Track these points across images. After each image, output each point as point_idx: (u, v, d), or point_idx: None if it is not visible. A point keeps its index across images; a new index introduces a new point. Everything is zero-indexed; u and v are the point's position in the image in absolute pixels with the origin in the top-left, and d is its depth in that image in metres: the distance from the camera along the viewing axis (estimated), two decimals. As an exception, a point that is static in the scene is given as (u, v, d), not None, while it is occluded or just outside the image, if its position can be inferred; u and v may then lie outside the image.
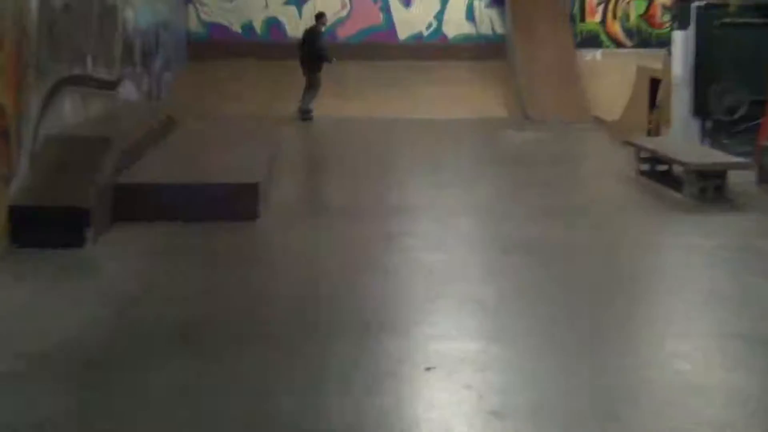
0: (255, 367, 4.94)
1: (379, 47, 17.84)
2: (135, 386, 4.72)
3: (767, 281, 6.61)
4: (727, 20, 12.08)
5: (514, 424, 4.29)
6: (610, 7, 18.35)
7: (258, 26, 18.17)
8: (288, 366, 4.97)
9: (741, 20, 12.14)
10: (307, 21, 17.45)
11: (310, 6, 17.97)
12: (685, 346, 5.36)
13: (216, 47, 17.65)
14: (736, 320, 5.74)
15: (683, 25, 12.46)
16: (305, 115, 15.77)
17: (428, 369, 4.91)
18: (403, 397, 4.66)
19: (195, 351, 5.22)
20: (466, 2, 18.36)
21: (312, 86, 15.87)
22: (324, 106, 15.88)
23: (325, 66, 15.84)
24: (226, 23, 18.08)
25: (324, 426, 4.24)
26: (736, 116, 11.66)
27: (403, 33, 18.25)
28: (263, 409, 4.43)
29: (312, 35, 16.12)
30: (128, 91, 12.35)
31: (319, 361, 5.03)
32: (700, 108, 12.03)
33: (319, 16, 16.44)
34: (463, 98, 16.25)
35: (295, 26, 17.98)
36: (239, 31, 18.10)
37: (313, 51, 15.90)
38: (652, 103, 13.21)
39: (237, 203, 8.32)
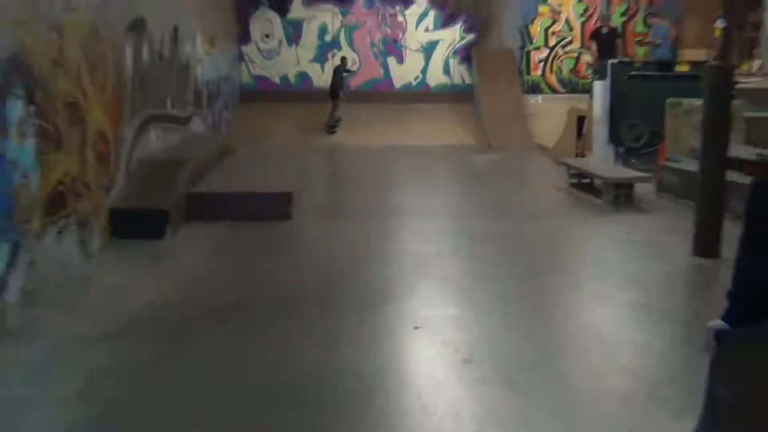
0: (288, 328, 4.93)
1: (381, 94, 17.83)
2: (200, 341, 4.73)
3: (664, 265, 6.60)
4: (633, 73, 12.12)
5: (480, 369, 4.27)
6: (548, 63, 18.34)
7: (292, 78, 18.15)
8: (317, 327, 4.95)
9: (644, 73, 12.18)
10: (328, 74, 17.49)
11: (329, 63, 17.94)
12: (603, 312, 5.36)
13: (261, 94, 17.64)
14: (641, 294, 5.74)
15: (602, 77, 12.52)
16: (330, 129, 16.17)
17: (417, 328, 4.90)
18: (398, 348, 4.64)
19: (244, 315, 5.23)
20: (444, 60, 18.34)
21: (333, 108, 16.28)
22: (340, 136, 15.92)
23: (343, 105, 16.16)
24: (269, 76, 18.06)
25: (339, 368, 4.23)
26: (640, 143, 11.68)
27: (397, 83, 18.22)
28: (294, 357, 4.42)
29: (335, 72, 16.49)
30: (197, 125, 12.35)
31: (341, 324, 5.02)
32: (614, 137, 12.05)
33: (342, 59, 16.88)
34: (441, 130, 16.25)
35: (319, 78, 17.98)
36: (278, 81, 18.08)
37: (334, 84, 16.32)
38: (579, 134, 13.22)
39: (275, 207, 8.32)
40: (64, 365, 4.33)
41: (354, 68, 17.57)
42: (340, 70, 16.60)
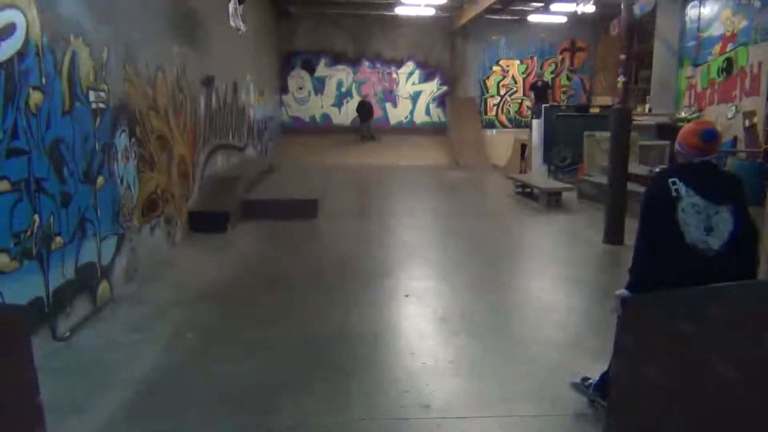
0: (316, 296, 4.91)
1: (382, 129, 17.81)
2: (253, 302, 4.71)
3: (584, 250, 6.58)
4: (560, 113, 12.08)
5: (452, 325, 4.26)
6: (500, 106, 18.30)
7: (318, 118, 18.10)
8: (335, 294, 4.94)
9: (567, 113, 12.15)
10: (343, 115, 17.49)
11: (344, 108, 17.90)
12: (540, 283, 5.34)
13: (296, 129, 17.59)
14: (567, 270, 5.72)
15: (538, 116, 12.47)
16: (367, 137, 16.52)
17: (406, 296, 4.88)
18: (394, 310, 4.63)
19: (284, 284, 5.21)
20: (426, 105, 18.30)
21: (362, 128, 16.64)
22: (351, 157, 15.85)
23: (352, 138, 16.17)
24: (301, 116, 18.01)
25: (352, 322, 4.21)
26: (565, 163, 11.64)
27: (393, 121, 18.14)
28: (322, 314, 4.40)
29: (361, 105, 16.84)
30: (250, 152, 12.31)
31: (352, 292, 5.00)
32: (547, 159, 12.00)
33: (364, 96, 17.06)
34: (424, 154, 16.19)
35: (337, 117, 17.94)
36: (308, 120, 18.03)
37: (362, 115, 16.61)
38: (522, 156, 13.18)
39: (305, 210, 8.29)
40: (158, 321, 4.31)
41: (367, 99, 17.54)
42: (359, 105, 16.85)
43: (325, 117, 18.10)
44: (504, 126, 18.24)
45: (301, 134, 17.19)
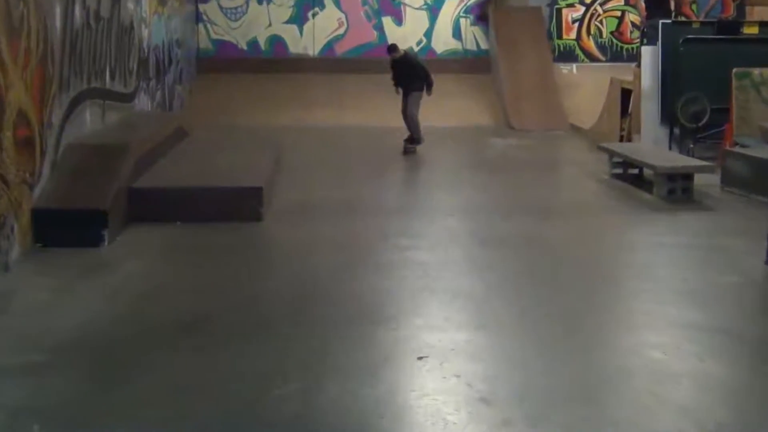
0: (256, 355, 4.89)
1: (374, 62, 17.77)
2: (145, 371, 4.69)
3: (733, 278, 6.57)
4: (691, 36, 12.11)
5: (501, 411, 4.24)
6: (585, 24, 18.34)
7: (263, 43, 18.11)
8: (290, 353, 4.92)
9: (703, 36, 12.17)
10: (307, 38, 17.50)
11: (309, 25, 17.91)
12: (658, 336, 5.33)
13: (223, 63, 17.60)
14: (704, 314, 5.71)
15: (651, 41, 12.49)
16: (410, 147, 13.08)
17: (421, 358, 4.86)
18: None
19: (199, 339, 5.19)
20: (453, 20, 18.32)
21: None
22: (324, 115, 15.84)
23: (324, 79, 16.04)
24: (233, 40, 18.02)
25: (322, 408, 4.19)
26: (700, 123, 11.66)
27: (396, 49, 18.20)
28: (263, 393, 4.38)
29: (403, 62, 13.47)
30: (142, 102, 12.29)
31: (320, 348, 4.98)
32: (668, 116, 12.03)
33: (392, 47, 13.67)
34: (450, 109, 16.20)
35: (297, 43, 17.95)
36: (244, 47, 18.04)
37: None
38: (624, 112, 13.19)
39: (241, 206, 8.27)
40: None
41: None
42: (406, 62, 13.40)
43: (276, 42, 18.13)
44: (592, 58, 18.29)
45: (233, 72, 17.23)
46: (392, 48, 13.46)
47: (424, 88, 13.01)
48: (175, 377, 4.61)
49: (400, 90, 13.14)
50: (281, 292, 6.22)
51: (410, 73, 13.07)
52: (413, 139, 12.93)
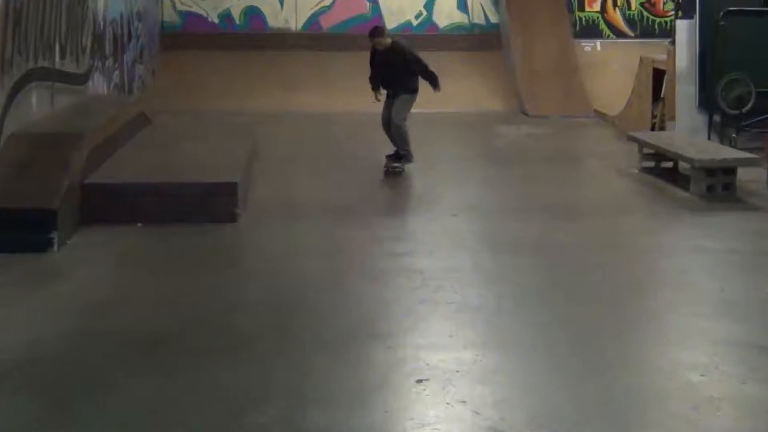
0: (230, 377, 4.89)
1: (366, 38, 17.76)
2: (100, 396, 4.68)
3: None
4: (733, 8, 12.09)
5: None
6: (611, -6, 18.40)
7: (237, 16, 18.11)
8: (270, 376, 4.92)
9: (746, 8, 12.16)
10: (288, 10, 17.49)
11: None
12: (693, 355, 5.34)
13: (192, 38, 17.58)
14: (749, 329, 5.72)
15: (687, 14, 12.47)
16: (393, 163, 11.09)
17: (420, 381, 4.88)
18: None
19: (165, 359, 5.19)
20: (459, -11, 18.37)
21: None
22: (308, 100, 15.83)
23: (309, 57, 15.92)
24: (202, 12, 18.01)
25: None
26: (744, 109, 11.66)
27: (390, 23, 18.19)
28: (237, 421, 4.39)
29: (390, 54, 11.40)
30: (98, 84, 12.27)
31: (306, 369, 4.99)
32: (707, 101, 12.03)
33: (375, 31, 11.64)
34: (454, 91, 16.15)
35: (276, 16, 17.94)
36: (215, 20, 18.03)
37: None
38: (656, 96, 13.20)
39: (213, 204, 8.28)
40: None
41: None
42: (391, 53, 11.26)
43: (252, 15, 18.12)
44: (619, 34, 18.31)
45: (203, 49, 17.24)
46: (376, 32, 11.43)
47: (417, 89, 11.13)
48: (136, 403, 4.59)
49: (383, 93, 11.20)
50: (259, 305, 6.22)
51: (401, 69, 10.99)
52: (399, 155, 10.94)
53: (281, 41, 17.35)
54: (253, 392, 4.69)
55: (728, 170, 9.44)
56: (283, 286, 6.63)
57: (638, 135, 11.31)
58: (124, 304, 6.23)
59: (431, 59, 16.97)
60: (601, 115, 15.21)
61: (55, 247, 7.32)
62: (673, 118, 12.51)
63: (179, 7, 18.00)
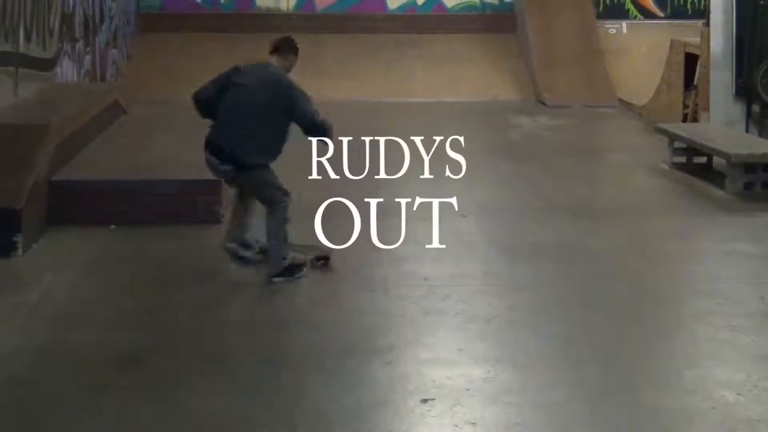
0: (214, 395, 4.91)
1: (365, 18, 17.83)
2: (68, 420, 4.70)
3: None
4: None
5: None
6: (638, -30, 18.42)
7: (221, -7, 18.19)
8: (259, 398, 4.94)
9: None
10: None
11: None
12: (729, 371, 5.35)
13: (172, 19, 17.60)
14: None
15: (724, -7, 12.48)
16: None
17: (425, 401, 4.89)
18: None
19: (141, 376, 5.21)
20: (468, -36, 18.40)
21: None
22: (306, 85, 15.78)
23: (301, 40, 15.83)
24: (183, -10, 18.08)
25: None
26: (786, 99, 11.69)
27: (393, 2, 18.24)
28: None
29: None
30: (67, 70, 12.28)
31: (302, 391, 5.00)
32: (744, 89, 12.02)
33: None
34: (463, 78, 16.23)
35: (265, -6, 18.03)
36: (199, 0, 18.06)
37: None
38: (689, 84, 13.20)
39: (193, 204, 8.31)
40: None
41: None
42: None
43: (239, -9, 18.16)
44: (647, 14, 18.33)
45: (184, 31, 17.29)
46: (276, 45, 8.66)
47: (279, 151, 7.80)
48: (110, 425, 4.62)
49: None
50: (246, 317, 6.24)
51: (265, 113, 7.93)
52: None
53: (270, 23, 17.30)
54: (235, 419, 4.69)
55: (768, 166, 9.46)
56: (272, 298, 6.63)
57: (668, 127, 11.31)
58: (94, 316, 6.24)
59: (439, 42, 17.07)
60: (626, 105, 15.22)
61: (20, 251, 7.34)
62: (707, 108, 12.49)
63: (158, -16, 18.04)
